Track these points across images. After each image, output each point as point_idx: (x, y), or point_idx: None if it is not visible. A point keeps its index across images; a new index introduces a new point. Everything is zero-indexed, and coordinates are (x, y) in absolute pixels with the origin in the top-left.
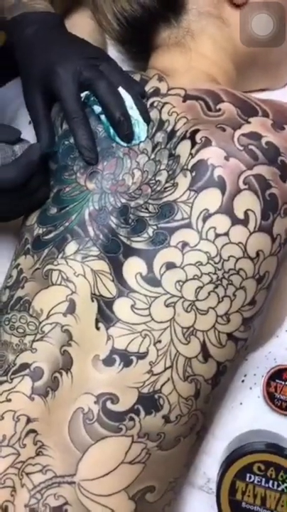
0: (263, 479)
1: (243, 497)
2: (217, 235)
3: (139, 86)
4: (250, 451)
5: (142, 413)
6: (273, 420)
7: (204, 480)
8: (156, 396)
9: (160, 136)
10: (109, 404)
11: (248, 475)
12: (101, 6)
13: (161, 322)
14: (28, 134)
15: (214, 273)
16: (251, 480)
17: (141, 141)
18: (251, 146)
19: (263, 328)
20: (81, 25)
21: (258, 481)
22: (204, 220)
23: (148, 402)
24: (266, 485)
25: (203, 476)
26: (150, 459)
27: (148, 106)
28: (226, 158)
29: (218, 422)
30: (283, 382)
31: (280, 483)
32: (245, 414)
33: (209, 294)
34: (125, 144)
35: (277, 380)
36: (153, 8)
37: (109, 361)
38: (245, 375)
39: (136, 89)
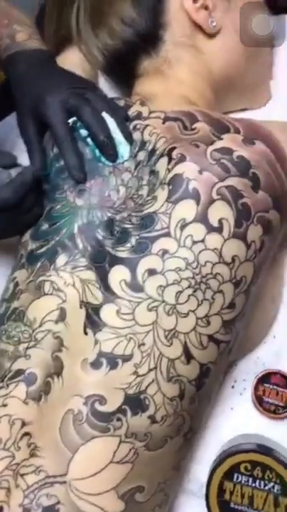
0: (250, 479)
1: (231, 497)
2: (194, 242)
3: (122, 110)
4: (237, 451)
5: (129, 413)
6: (263, 424)
7: (198, 486)
8: (142, 397)
9: (142, 155)
10: (97, 405)
11: (235, 475)
12: (86, 42)
13: (145, 325)
14: (26, 160)
15: (193, 278)
16: (239, 480)
17: (124, 160)
18: (222, 160)
19: (250, 333)
20: (73, 58)
21: (245, 481)
22: (182, 228)
23: (134, 402)
24: (253, 484)
25: (196, 481)
26: (138, 458)
27: (131, 128)
28: (200, 172)
29: (210, 428)
30: (271, 386)
31: (266, 482)
32: (236, 419)
33: (188, 297)
34: (110, 164)
35: (265, 384)
36: (132, 41)
37: (96, 364)
38: (235, 381)
39: (119, 113)
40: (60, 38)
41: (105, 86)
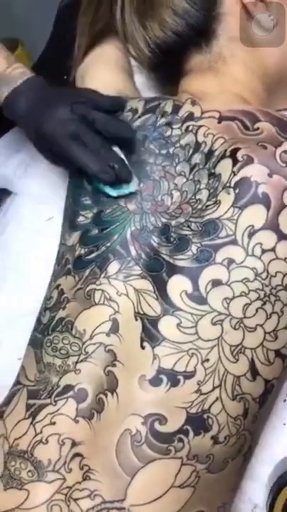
0: None
1: None
2: (264, 251)
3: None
4: None
5: (191, 434)
6: None
7: (251, 506)
8: (205, 416)
9: (197, 158)
10: (156, 425)
11: None
12: (133, 35)
13: (209, 340)
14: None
15: (262, 289)
16: None
17: (130, 192)
18: None
19: None
20: (109, 53)
21: None
22: (250, 236)
23: (197, 422)
24: None
25: (249, 502)
26: (199, 482)
27: (183, 130)
28: (270, 175)
29: (262, 444)
30: None
31: None
32: None
33: (257, 310)
34: (115, 194)
35: None
36: (185, 34)
37: (155, 381)
38: None
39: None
40: (96, 31)
41: (144, 85)
